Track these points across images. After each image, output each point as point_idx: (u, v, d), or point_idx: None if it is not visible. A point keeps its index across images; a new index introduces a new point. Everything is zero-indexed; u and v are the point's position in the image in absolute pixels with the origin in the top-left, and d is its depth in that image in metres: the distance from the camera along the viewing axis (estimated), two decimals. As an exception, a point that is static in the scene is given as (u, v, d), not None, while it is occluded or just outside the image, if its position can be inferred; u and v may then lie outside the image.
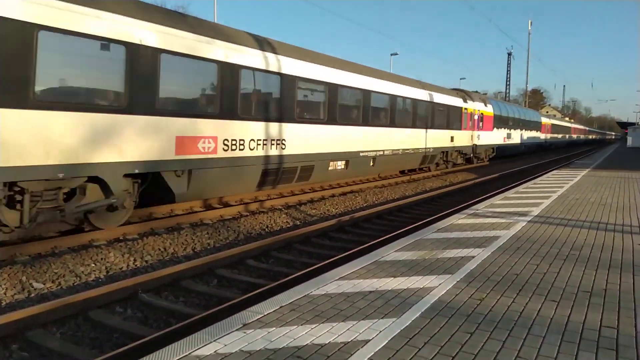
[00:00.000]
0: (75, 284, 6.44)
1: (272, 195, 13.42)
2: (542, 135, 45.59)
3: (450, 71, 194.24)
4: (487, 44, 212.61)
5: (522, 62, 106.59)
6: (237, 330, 3.63)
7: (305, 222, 10.75)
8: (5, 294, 5.91)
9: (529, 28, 55.42)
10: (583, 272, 5.32)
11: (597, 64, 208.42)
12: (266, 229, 9.98)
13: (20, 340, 4.77)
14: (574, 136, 68.90)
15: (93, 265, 7.02)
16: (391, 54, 44.04)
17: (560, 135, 55.67)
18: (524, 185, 14.57)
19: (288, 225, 10.44)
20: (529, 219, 8.52)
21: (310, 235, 9.12)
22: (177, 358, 3.16)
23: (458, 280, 4.96)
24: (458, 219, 8.42)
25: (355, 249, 7.91)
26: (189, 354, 3.23)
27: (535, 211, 9.35)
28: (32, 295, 6.01)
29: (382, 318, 3.92)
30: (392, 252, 6.03)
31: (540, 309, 4.20)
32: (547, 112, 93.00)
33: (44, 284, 6.30)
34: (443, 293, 4.55)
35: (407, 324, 3.80)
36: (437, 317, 3.96)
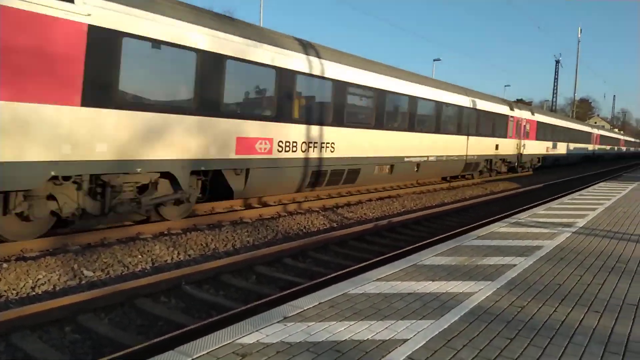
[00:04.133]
0: (123, 273, 6.75)
1: (310, 197, 13.57)
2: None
3: (494, 78, 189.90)
4: (534, 51, 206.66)
5: (570, 70, 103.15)
6: (278, 322, 3.74)
7: (342, 225, 10.82)
8: (59, 279, 6.26)
9: (579, 35, 53.65)
10: (629, 285, 5.17)
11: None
12: (303, 230, 10.11)
13: (73, 323, 5.05)
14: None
15: (140, 256, 7.33)
16: (434, 60, 43.60)
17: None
18: (569, 196, 14.15)
19: (325, 227, 10.54)
20: (573, 229, 8.29)
21: (347, 237, 9.18)
22: (222, 345, 3.31)
23: (498, 287, 4.91)
24: (499, 228, 8.29)
25: (394, 253, 7.92)
26: (233, 341, 3.37)
27: (581, 222, 9.09)
28: (83, 282, 6.34)
29: (420, 319, 3.95)
30: (430, 257, 6.03)
31: (583, 319, 4.12)
32: (595, 122, 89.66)
33: (94, 272, 6.63)
34: (483, 299, 4.53)
35: (446, 326, 3.82)
36: (477, 322, 3.96)
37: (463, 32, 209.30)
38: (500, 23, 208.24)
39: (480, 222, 10.88)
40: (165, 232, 8.70)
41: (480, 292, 4.72)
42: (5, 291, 5.76)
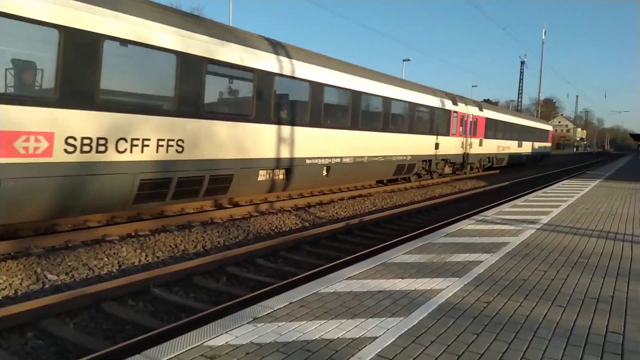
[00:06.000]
0: (88, 276, 6.57)
1: (282, 197, 13.52)
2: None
3: (462, 79, 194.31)
4: (501, 52, 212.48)
5: (535, 71, 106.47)
6: (248, 323, 3.72)
7: (314, 224, 10.83)
8: (20, 284, 6.05)
9: (543, 37, 55.21)
10: (591, 280, 5.35)
11: (611, 75, 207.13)
12: (275, 230, 10.07)
13: (35, 329, 4.89)
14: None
15: (106, 259, 7.16)
16: (403, 60, 44.07)
17: None
18: (534, 194, 14.54)
19: (297, 227, 10.53)
20: (538, 226, 8.53)
21: (319, 237, 9.19)
22: (190, 347, 3.26)
23: (465, 283, 5.01)
24: (467, 225, 8.45)
25: (364, 252, 7.97)
26: (201, 344, 3.32)
27: (545, 219, 9.35)
28: (47, 286, 6.14)
29: (390, 317, 3.99)
30: (400, 255, 6.09)
31: (546, 313, 4.24)
32: (559, 122, 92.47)
33: (58, 276, 6.43)
34: (450, 295, 4.61)
35: (415, 323, 3.87)
36: (444, 318, 4.02)
37: (431, 34, 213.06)
38: (467, 26, 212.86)
39: (449, 220, 11.07)
40: (133, 234, 8.52)
41: (448, 288, 4.80)
42: (-38, 297, 5.53)
